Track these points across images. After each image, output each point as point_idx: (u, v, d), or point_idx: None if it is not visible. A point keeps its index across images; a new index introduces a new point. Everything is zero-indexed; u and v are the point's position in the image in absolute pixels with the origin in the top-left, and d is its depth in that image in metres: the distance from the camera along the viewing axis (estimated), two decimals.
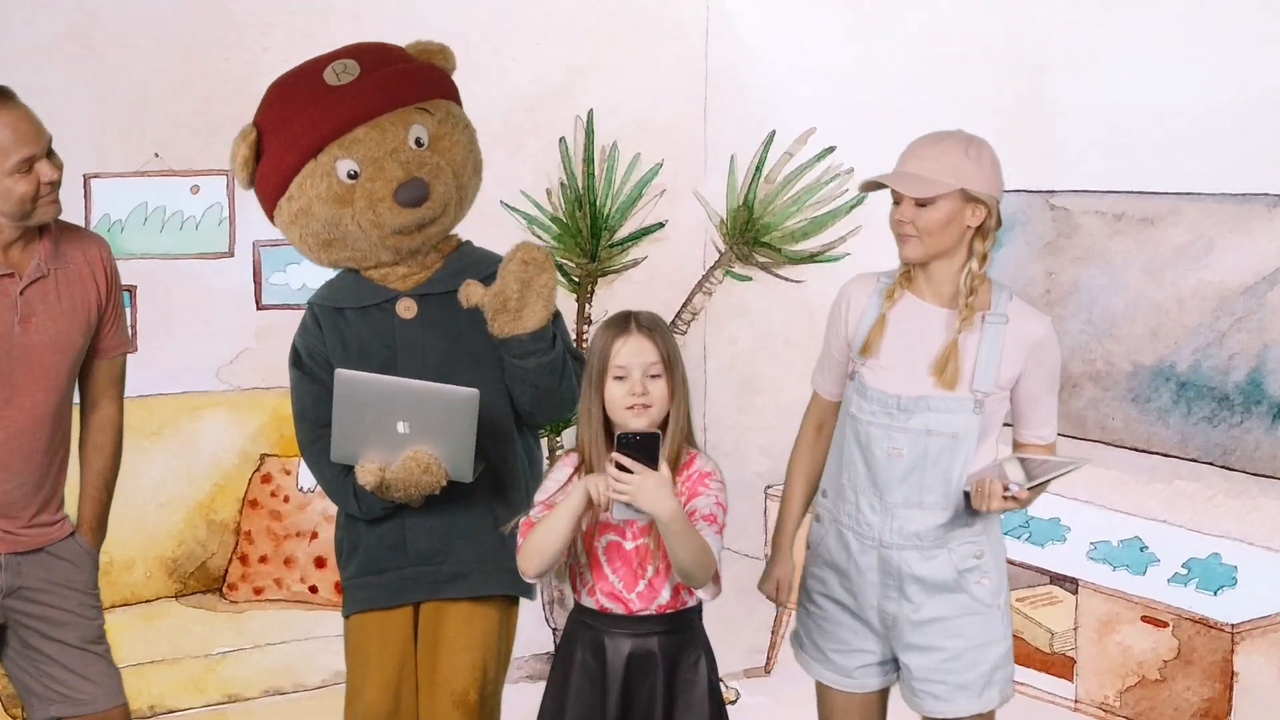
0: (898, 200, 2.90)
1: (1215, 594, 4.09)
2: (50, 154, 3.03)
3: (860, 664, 3.05)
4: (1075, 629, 4.22)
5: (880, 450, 2.94)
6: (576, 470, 2.80)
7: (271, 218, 3.32)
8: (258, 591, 4.55)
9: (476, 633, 3.24)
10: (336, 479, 3.15)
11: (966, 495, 2.88)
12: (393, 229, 3.18)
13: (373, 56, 3.27)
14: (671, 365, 2.76)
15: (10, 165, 2.97)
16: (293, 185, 3.24)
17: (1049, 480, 2.84)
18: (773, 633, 4.87)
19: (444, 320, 3.22)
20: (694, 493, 2.76)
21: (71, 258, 3.14)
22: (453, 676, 3.21)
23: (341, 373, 3.02)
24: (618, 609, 2.79)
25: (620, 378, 2.74)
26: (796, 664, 4.10)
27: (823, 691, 3.12)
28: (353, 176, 3.20)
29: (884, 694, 3.09)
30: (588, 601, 2.82)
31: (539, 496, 2.81)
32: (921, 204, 2.85)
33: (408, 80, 3.27)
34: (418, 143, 3.23)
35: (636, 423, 2.72)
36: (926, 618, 2.97)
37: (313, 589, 4.52)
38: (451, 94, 3.37)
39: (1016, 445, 2.99)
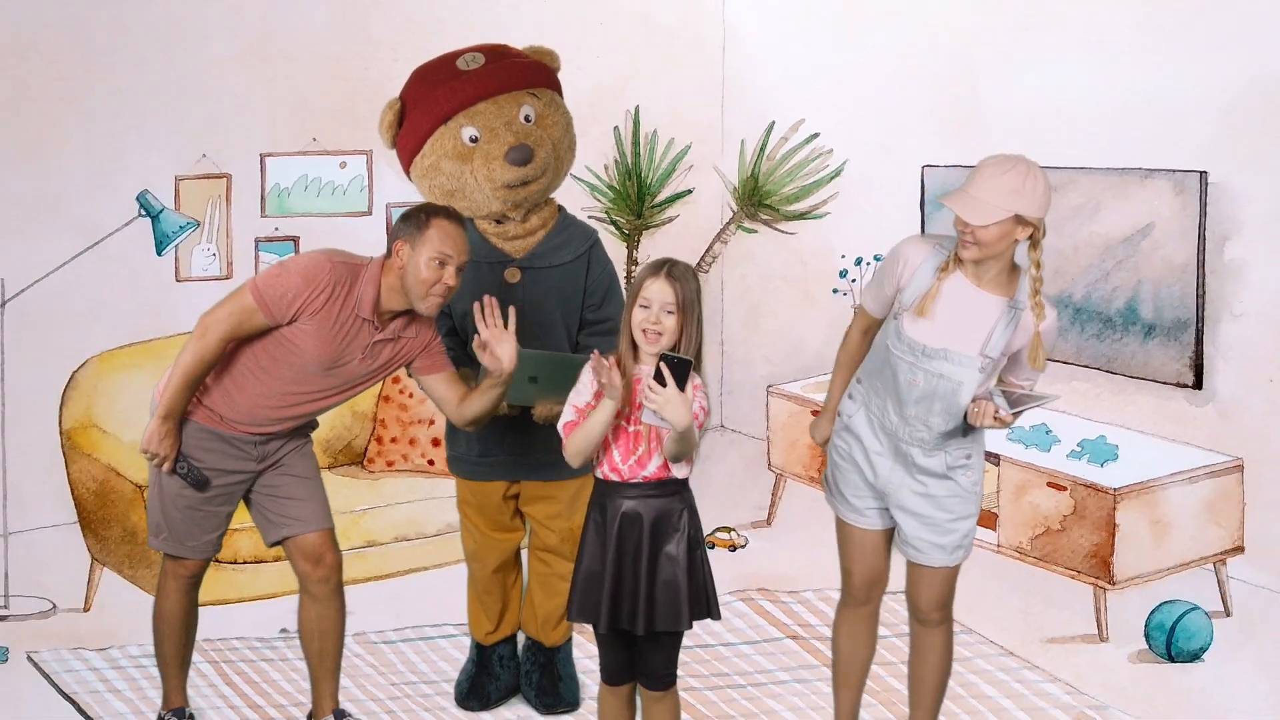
0: None
1: (1102, 466, 4.20)
2: (459, 269, 3.00)
3: (868, 507, 3.13)
4: (998, 492, 4.31)
5: (903, 379, 2.98)
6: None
7: (408, 173, 3.40)
8: (389, 464, 4.72)
9: (566, 495, 3.45)
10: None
11: (965, 417, 2.99)
12: (503, 183, 3.23)
13: (496, 52, 3.37)
14: (686, 308, 2.75)
15: (428, 256, 3.01)
16: (426, 146, 3.31)
17: (1027, 410, 2.98)
18: (773, 494, 4.97)
19: (539, 293, 3.32)
20: None
21: (413, 333, 3.16)
22: (549, 521, 3.43)
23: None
24: (615, 478, 2.84)
25: (645, 306, 2.78)
26: (792, 518, 4.61)
27: (841, 525, 3.21)
28: (474, 140, 3.25)
29: (888, 533, 3.17)
30: (599, 472, 2.87)
31: (575, 400, 2.86)
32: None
33: (521, 70, 3.35)
34: (526, 118, 3.27)
35: (648, 346, 2.76)
36: (923, 493, 3.05)
37: (430, 462, 4.71)
38: (555, 86, 3.45)
39: (1000, 381, 3.09)
